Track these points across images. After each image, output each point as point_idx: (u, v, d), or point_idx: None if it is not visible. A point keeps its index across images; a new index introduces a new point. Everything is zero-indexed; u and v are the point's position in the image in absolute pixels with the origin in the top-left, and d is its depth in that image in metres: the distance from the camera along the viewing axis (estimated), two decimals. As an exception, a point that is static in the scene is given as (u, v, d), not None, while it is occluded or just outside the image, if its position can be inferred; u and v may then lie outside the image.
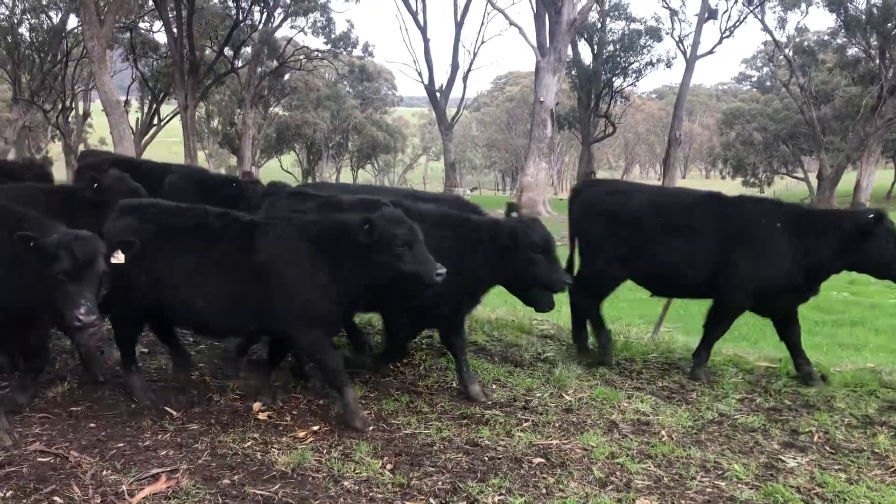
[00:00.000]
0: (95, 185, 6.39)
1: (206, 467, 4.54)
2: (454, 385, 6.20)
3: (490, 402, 5.89)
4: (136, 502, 4.11)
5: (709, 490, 4.56)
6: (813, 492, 4.58)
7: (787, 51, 49.17)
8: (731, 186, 74.17)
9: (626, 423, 5.59)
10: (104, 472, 4.41)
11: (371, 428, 5.26)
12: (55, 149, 54.33)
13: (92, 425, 5.08)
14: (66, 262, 4.41)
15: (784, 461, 5.03)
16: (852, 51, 47.37)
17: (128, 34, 44.39)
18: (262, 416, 5.37)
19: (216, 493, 4.23)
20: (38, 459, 4.55)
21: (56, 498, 4.11)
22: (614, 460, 4.90)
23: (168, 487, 4.27)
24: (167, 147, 59.95)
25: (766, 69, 67.36)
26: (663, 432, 5.42)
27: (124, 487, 4.23)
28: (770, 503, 4.40)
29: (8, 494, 4.12)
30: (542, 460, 4.86)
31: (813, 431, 5.57)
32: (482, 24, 79.27)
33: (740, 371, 7.04)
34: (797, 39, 51.27)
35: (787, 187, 69.58)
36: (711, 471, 4.83)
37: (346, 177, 74.39)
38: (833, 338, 9.09)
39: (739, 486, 4.63)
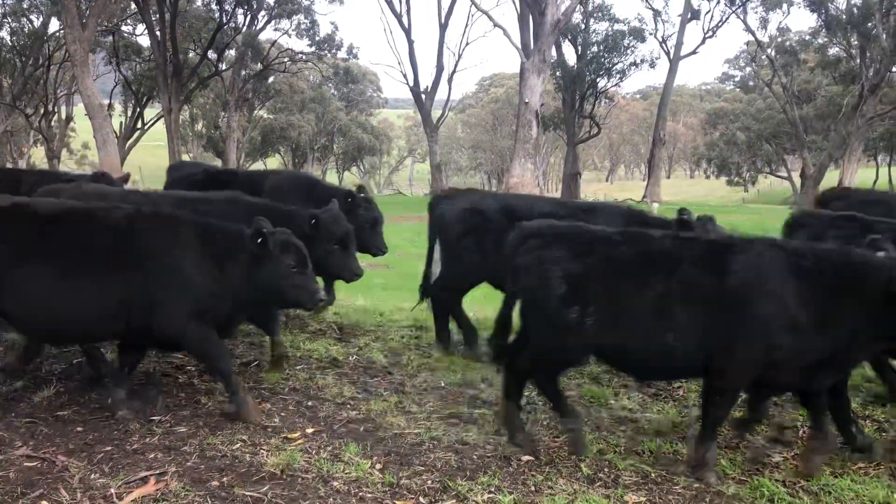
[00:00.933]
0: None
1: (195, 469, 4.53)
2: (443, 385, 6.22)
3: (479, 402, 5.91)
4: (124, 505, 4.11)
5: (696, 485, 4.61)
6: (798, 485, 4.64)
7: (769, 51, 49.58)
8: (716, 186, 74.67)
9: (613, 421, 5.64)
10: (92, 476, 4.40)
11: (360, 429, 5.28)
12: (38, 153, 53.91)
13: (79, 429, 5.07)
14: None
15: (770, 456, 5.09)
16: (833, 50, 47.89)
17: (110, 37, 44.13)
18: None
19: (205, 494, 4.23)
20: (25, 464, 4.53)
21: (44, 502, 4.10)
22: (602, 457, 4.94)
23: (157, 490, 4.26)
24: (151, 151, 59.58)
25: (748, 69, 67.79)
26: (650, 429, 5.46)
27: (112, 490, 4.22)
28: (756, 497, 4.45)
29: (-5, 499, 4.11)
30: (531, 458, 4.89)
31: (798, 426, 5.64)
32: (467, 25, 79.74)
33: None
34: (779, 39, 51.71)
35: (771, 186, 70.10)
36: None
37: (331, 179, 74.33)
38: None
39: (726, 481, 4.67)
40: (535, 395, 5.86)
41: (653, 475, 4.72)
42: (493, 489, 4.41)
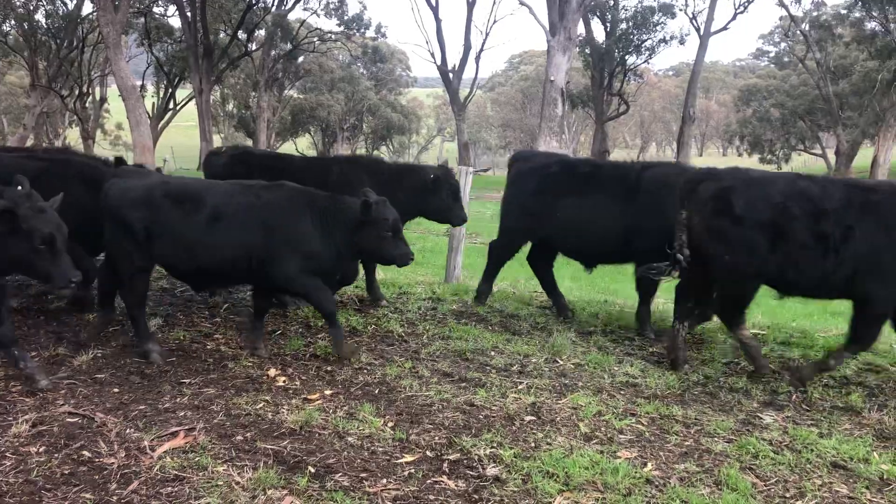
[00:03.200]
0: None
1: (221, 426, 4.92)
2: (455, 352, 6.57)
3: (488, 367, 6.24)
4: (157, 456, 4.50)
5: (687, 443, 4.89)
6: (784, 444, 4.90)
7: (803, 25, 48.73)
8: (749, 163, 73.71)
9: (614, 385, 5.93)
10: (127, 431, 4.79)
11: (375, 391, 5.64)
12: (73, 134, 55.04)
13: (115, 390, 5.47)
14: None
15: (761, 418, 5.36)
16: (870, 25, 46.89)
17: (142, 19, 44.81)
18: (279, 381, 5.75)
19: (230, 447, 4.61)
20: (67, 420, 4.94)
21: (84, 452, 4.50)
22: (601, 417, 5.25)
23: (186, 443, 4.66)
24: (183, 131, 60.52)
25: (783, 45, 66.66)
26: (649, 393, 5.75)
27: (146, 443, 4.62)
28: (742, 454, 4.73)
29: (41, 450, 4.52)
30: (533, 418, 5.21)
31: (791, 391, 5.88)
32: (494, 3, 78.88)
33: (729, 338, 7.33)
34: (814, 14, 50.75)
35: (805, 164, 69.10)
36: (692, 427, 5.16)
37: (361, 158, 74.41)
38: (825, 306, 9.35)
39: (716, 439, 4.96)
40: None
41: (647, 434, 5.01)
42: (495, 445, 4.74)
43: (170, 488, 4.10)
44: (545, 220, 7.82)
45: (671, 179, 6.93)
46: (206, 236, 6.00)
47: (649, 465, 4.54)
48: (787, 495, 4.28)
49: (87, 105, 50.29)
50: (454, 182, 8.05)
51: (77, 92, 48.39)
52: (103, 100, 54.01)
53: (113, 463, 4.36)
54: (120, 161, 7.59)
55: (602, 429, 5.07)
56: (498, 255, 8.39)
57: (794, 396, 5.80)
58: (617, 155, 78.97)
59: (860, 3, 43.53)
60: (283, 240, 6.04)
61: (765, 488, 4.34)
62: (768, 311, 8.23)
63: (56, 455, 4.44)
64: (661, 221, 6.70)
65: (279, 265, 6.06)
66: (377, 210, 6.08)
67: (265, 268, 6.08)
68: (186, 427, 4.86)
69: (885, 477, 4.50)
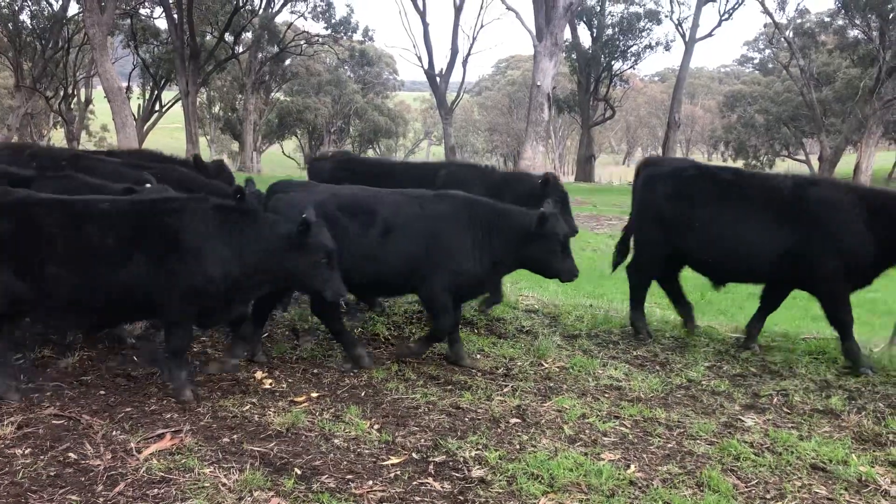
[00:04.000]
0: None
1: (208, 428, 4.94)
2: (440, 355, 6.61)
3: (474, 371, 6.28)
4: (143, 457, 4.51)
5: (669, 446, 4.96)
6: (765, 446, 4.98)
7: (787, 32, 49.17)
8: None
9: (598, 388, 5.99)
10: (114, 433, 4.81)
11: (362, 394, 5.66)
12: (58, 135, 54.67)
13: (102, 392, 5.48)
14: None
15: (743, 420, 5.43)
16: (852, 32, 47.41)
17: (128, 20, 44.57)
18: (265, 384, 5.77)
19: (216, 449, 4.63)
20: (53, 422, 4.95)
21: (70, 454, 4.51)
22: (585, 420, 5.30)
23: (172, 445, 4.68)
24: (169, 133, 60.22)
25: (767, 52, 67.22)
26: (633, 396, 5.82)
27: (132, 445, 4.63)
28: (723, 456, 4.80)
29: (27, 451, 4.53)
30: (518, 420, 5.26)
31: (773, 395, 5.97)
32: (481, 8, 79.56)
33: (712, 341, 7.42)
34: (797, 21, 51.27)
35: (789, 169, 69.63)
36: (674, 429, 5.23)
37: (347, 162, 74.34)
38: (807, 311, 9.46)
39: (698, 442, 5.02)
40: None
41: (630, 436, 5.07)
42: (480, 447, 4.78)
43: (156, 490, 4.12)
44: (683, 230, 7.16)
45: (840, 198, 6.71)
46: (378, 248, 6.04)
47: (632, 466, 4.60)
48: (768, 497, 4.35)
49: (72, 106, 49.98)
50: (563, 190, 7.85)
51: (62, 93, 48.08)
52: (88, 101, 53.67)
53: (99, 465, 4.38)
54: (197, 159, 7.58)
55: (586, 431, 5.13)
56: (641, 277, 7.62)
57: (774, 399, 5.88)
58: (603, 160, 79.39)
59: (843, 12, 44.06)
60: (441, 253, 6.08)
61: (746, 490, 4.41)
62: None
63: (42, 457, 4.45)
64: (834, 244, 6.57)
65: (431, 279, 6.11)
66: (552, 224, 6.02)
67: (420, 280, 6.14)
68: (173, 429, 4.88)
69: (863, 478, 4.58)
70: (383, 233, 6.06)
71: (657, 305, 8.94)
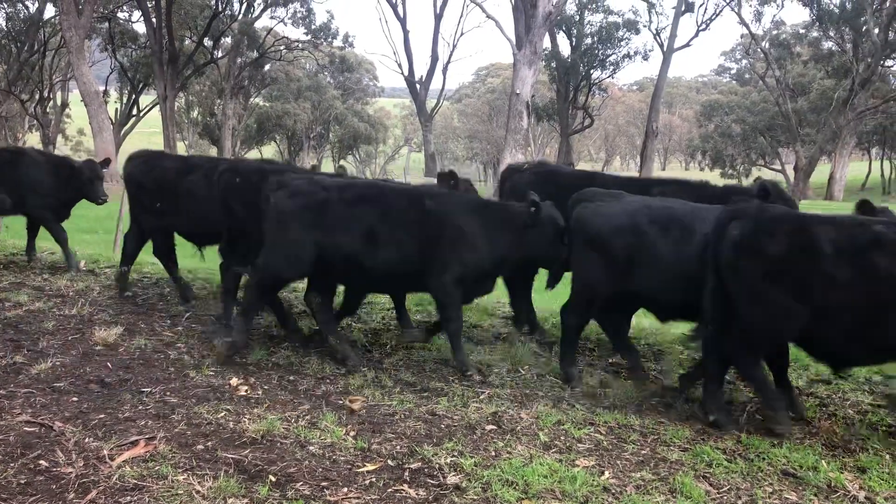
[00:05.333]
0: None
1: (182, 435, 4.89)
2: (416, 361, 6.62)
3: (450, 378, 6.30)
4: (116, 465, 4.47)
5: (643, 452, 5.00)
6: (737, 452, 5.04)
7: (763, 44, 49.95)
8: (710, 178, 74.89)
9: (574, 395, 6.03)
10: (86, 440, 4.75)
11: (338, 401, 5.65)
12: (33, 139, 54.07)
13: (74, 399, 5.41)
14: None
15: (716, 427, 5.49)
16: (827, 44, 48.23)
17: (106, 24, 44.29)
18: (241, 391, 5.74)
19: (191, 456, 4.59)
20: (24, 429, 4.87)
21: (42, 462, 4.45)
22: (560, 427, 5.33)
23: (146, 452, 4.63)
24: (146, 138, 59.66)
25: (744, 62, 68.19)
26: (608, 403, 5.86)
27: (105, 452, 4.58)
28: (697, 462, 4.85)
29: (-3, 459, 4.46)
30: (494, 427, 5.27)
31: (746, 402, 6.04)
32: (461, 16, 79.98)
33: (687, 349, 7.50)
34: (773, 32, 52.09)
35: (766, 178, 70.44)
36: (648, 436, 5.27)
37: (327, 167, 74.35)
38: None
39: (671, 448, 5.07)
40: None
41: (605, 443, 5.11)
42: (456, 454, 4.79)
43: (129, 497, 4.08)
44: None
45: None
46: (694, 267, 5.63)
47: (606, 473, 4.63)
48: (739, 502, 4.40)
49: (48, 110, 49.51)
50: (787, 197, 7.34)
51: (38, 96, 47.61)
52: (65, 105, 53.22)
53: (71, 472, 4.32)
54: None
55: (561, 438, 5.15)
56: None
57: (748, 407, 5.95)
58: (583, 167, 79.69)
59: (818, 24, 44.81)
60: None
61: (718, 496, 4.46)
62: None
63: (12, 464, 4.38)
64: None
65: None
66: None
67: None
68: (147, 436, 4.83)
69: (832, 484, 4.65)
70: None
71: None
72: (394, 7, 44.12)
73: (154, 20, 38.93)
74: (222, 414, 5.25)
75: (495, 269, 6.56)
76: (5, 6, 44.10)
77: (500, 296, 9.39)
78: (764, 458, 4.94)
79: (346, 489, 4.28)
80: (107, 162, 10.53)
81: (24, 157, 9.74)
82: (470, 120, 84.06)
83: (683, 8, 43.57)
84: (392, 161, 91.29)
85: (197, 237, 8.32)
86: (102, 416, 5.14)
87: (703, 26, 45.81)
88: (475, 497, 4.27)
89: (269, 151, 72.49)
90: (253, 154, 68.33)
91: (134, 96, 49.91)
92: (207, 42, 45.26)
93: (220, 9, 43.93)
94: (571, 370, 6.34)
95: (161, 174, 8.26)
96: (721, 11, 46.40)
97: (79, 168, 9.81)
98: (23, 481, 4.21)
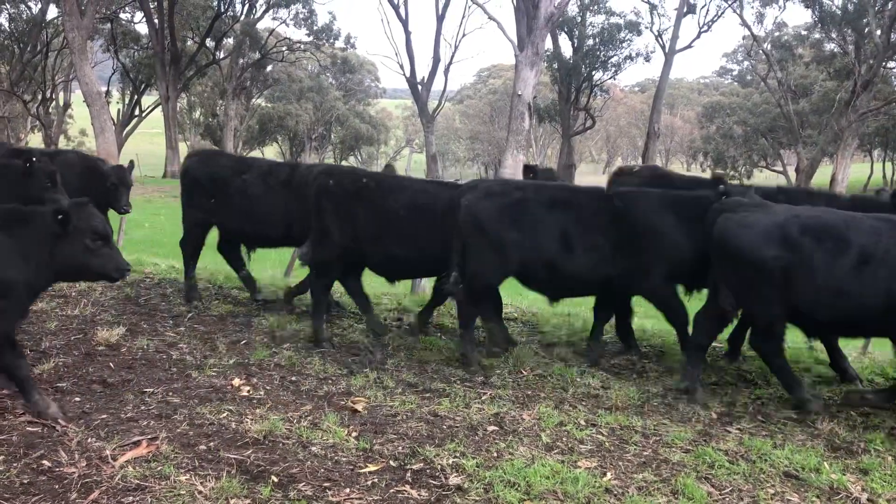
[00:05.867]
0: None
1: (185, 435, 4.90)
2: (420, 363, 6.62)
3: (453, 378, 6.30)
4: (118, 465, 4.48)
5: (645, 453, 5.00)
6: (739, 454, 5.03)
7: (765, 45, 49.85)
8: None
9: (576, 396, 6.03)
10: (89, 440, 4.76)
11: (340, 402, 5.66)
12: (35, 139, 54.10)
13: (77, 399, 5.43)
14: None
15: (718, 428, 5.49)
16: (829, 46, 48.14)
17: (109, 25, 44.34)
18: (243, 391, 5.74)
19: (193, 457, 4.60)
20: (27, 429, 4.89)
21: (44, 462, 4.46)
22: (562, 428, 5.33)
23: (148, 452, 4.64)
24: (148, 138, 59.89)
25: (746, 63, 68.07)
26: (610, 404, 5.86)
27: (108, 452, 4.59)
28: (699, 464, 4.85)
29: (0, 459, 4.47)
30: (496, 428, 5.28)
31: (748, 403, 6.04)
32: (463, 17, 79.85)
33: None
34: (775, 34, 52.00)
35: (767, 180, 70.42)
36: (650, 437, 5.27)
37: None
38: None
39: (673, 449, 5.07)
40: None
41: (607, 444, 5.11)
42: (458, 454, 4.79)
43: (131, 498, 4.09)
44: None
45: None
46: (852, 280, 5.40)
47: (608, 474, 4.63)
48: (741, 504, 4.40)
49: (50, 110, 49.53)
50: None
51: (40, 97, 47.65)
52: (67, 105, 53.21)
53: (73, 472, 4.33)
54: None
55: (563, 439, 5.16)
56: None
57: (749, 408, 5.95)
58: (584, 169, 79.83)
59: (820, 25, 44.69)
60: None
61: (720, 497, 4.45)
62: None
63: (15, 464, 4.39)
64: None
65: None
66: None
67: None
68: (149, 436, 4.84)
69: (834, 486, 4.64)
70: (859, 263, 5.39)
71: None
72: (396, 8, 44.08)
73: (156, 21, 39.00)
74: (224, 414, 5.25)
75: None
76: (8, 7, 44.17)
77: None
78: (766, 460, 4.93)
79: (348, 490, 4.29)
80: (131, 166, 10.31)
81: (59, 159, 9.50)
82: (472, 121, 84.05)
83: (685, 9, 43.57)
84: (393, 162, 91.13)
85: (248, 238, 8.39)
86: (105, 416, 5.15)
87: (705, 28, 45.80)
88: (477, 498, 4.27)
89: (270, 152, 72.51)
90: (255, 155, 68.38)
91: (136, 97, 49.93)
92: (209, 43, 45.32)
93: (222, 10, 43.98)
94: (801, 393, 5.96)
95: (217, 172, 8.30)
96: (723, 13, 46.36)
97: (104, 172, 9.66)
98: (26, 481, 4.22)
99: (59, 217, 4.90)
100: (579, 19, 44.95)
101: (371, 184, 7.17)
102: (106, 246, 5.14)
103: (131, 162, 10.60)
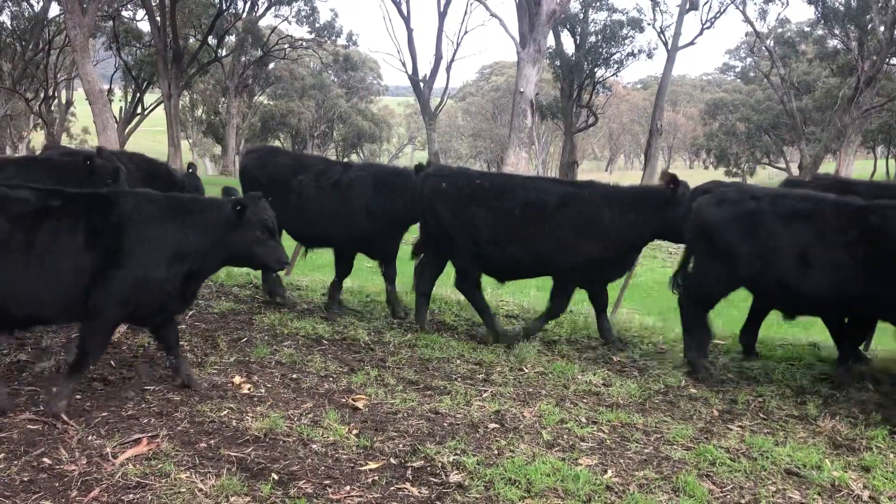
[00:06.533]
0: None
1: (185, 433, 4.90)
2: (420, 360, 6.61)
3: (454, 376, 6.29)
4: (119, 462, 4.47)
5: (647, 451, 4.99)
6: (741, 451, 5.03)
7: (768, 42, 49.66)
8: (714, 176, 74.61)
9: (577, 394, 6.02)
10: (89, 437, 4.76)
11: (341, 399, 5.65)
12: (38, 138, 54.12)
13: (78, 396, 5.42)
14: None
15: (720, 426, 5.48)
16: (832, 42, 47.98)
17: (111, 22, 44.28)
18: (244, 389, 5.74)
19: (193, 454, 4.60)
20: (28, 426, 4.89)
21: (45, 459, 4.46)
22: (563, 425, 5.33)
23: (149, 450, 4.64)
24: (151, 136, 59.88)
25: (749, 60, 67.88)
26: (611, 401, 5.85)
27: (108, 450, 4.59)
28: (700, 461, 4.84)
29: (0, 456, 4.47)
30: (497, 425, 5.27)
31: (749, 401, 6.03)
32: (465, 14, 79.47)
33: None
34: (778, 30, 51.81)
35: (770, 177, 70.29)
36: (651, 434, 5.26)
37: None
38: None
39: (675, 447, 5.06)
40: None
41: (608, 442, 5.10)
42: (458, 452, 4.79)
43: (131, 495, 4.09)
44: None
45: None
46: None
47: (609, 472, 4.63)
48: (743, 501, 4.39)
49: (52, 108, 49.48)
50: None
51: (42, 95, 47.58)
52: (69, 103, 53.17)
53: (74, 470, 4.33)
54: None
55: (564, 436, 5.15)
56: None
57: (751, 405, 5.93)
58: (587, 166, 79.70)
59: (822, 22, 44.54)
60: None
61: (721, 495, 4.45)
62: (729, 323, 8.37)
63: (15, 462, 4.39)
64: None
65: None
66: None
67: None
68: (149, 434, 4.84)
69: (836, 483, 4.64)
70: None
71: (636, 311, 9.00)
72: (398, 5, 43.97)
73: (158, 19, 38.91)
74: (225, 412, 5.25)
75: None
76: (10, 5, 44.11)
77: (501, 294, 9.41)
78: (767, 458, 4.93)
79: (348, 487, 4.28)
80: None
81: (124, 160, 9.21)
82: (474, 118, 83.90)
83: (688, 6, 43.40)
84: (396, 159, 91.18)
85: (304, 237, 8.40)
86: (106, 413, 5.14)
87: (708, 24, 45.56)
88: (478, 496, 4.26)
89: (273, 150, 72.43)
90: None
91: (138, 95, 49.86)
92: (212, 40, 45.22)
93: (224, 7, 43.90)
94: None
95: (274, 170, 8.30)
96: (725, 9, 46.10)
97: (177, 182, 9.28)
98: (26, 479, 4.22)
99: (238, 209, 5.24)
100: (581, 16, 44.82)
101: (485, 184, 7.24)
102: (272, 238, 5.47)
103: (192, 165, 10.49)
